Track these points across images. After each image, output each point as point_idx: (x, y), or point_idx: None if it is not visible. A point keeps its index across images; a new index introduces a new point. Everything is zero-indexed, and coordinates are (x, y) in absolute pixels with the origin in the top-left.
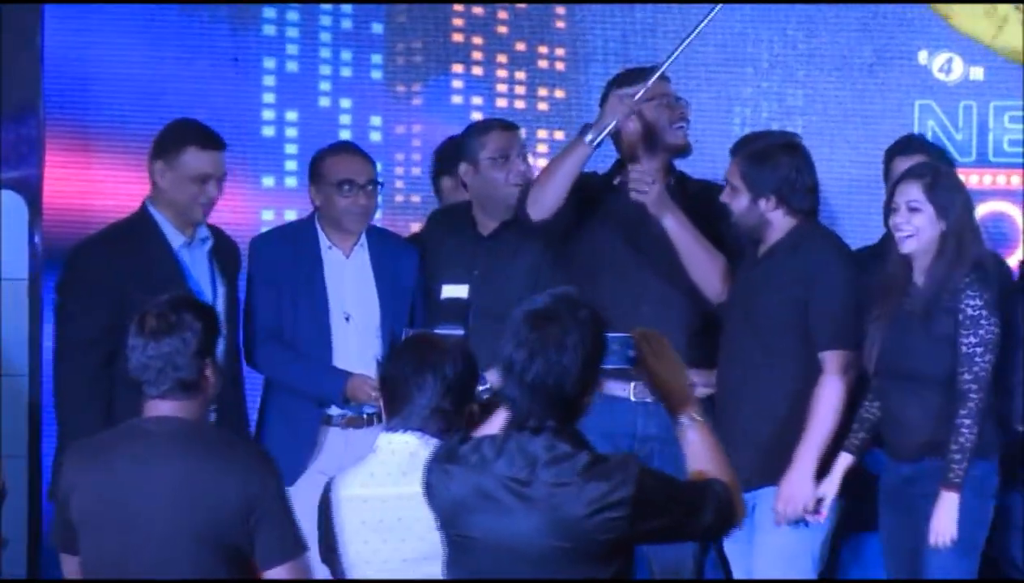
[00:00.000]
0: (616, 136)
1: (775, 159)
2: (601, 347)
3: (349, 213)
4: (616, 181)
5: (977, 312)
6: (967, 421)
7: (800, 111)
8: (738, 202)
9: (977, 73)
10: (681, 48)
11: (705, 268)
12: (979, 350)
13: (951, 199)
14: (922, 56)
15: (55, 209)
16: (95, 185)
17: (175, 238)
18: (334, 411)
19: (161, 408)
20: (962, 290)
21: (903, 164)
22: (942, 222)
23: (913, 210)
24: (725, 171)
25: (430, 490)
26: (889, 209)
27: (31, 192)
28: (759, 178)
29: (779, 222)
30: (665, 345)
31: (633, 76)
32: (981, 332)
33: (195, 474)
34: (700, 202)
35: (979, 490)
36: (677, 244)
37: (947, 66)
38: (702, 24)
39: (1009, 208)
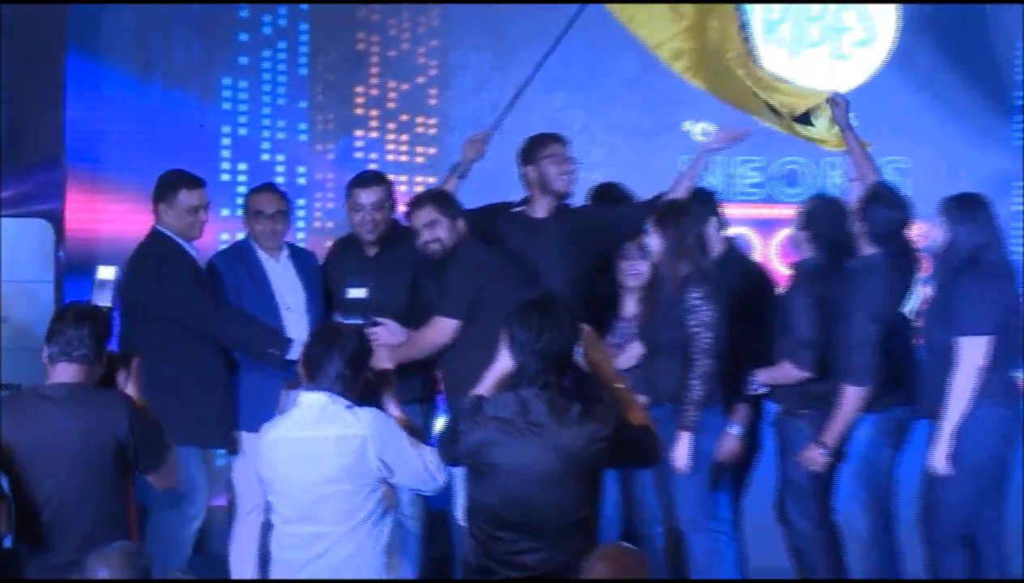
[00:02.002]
0: (525, 178)
1: (448, 197)
2: (578, 326)
3: (263, 234)
4: (518, 209)
5: (697, 302)
6: (695, 382)
7: (600, 165)
8: (443, 229)
9: None
10: (525, 86)
11: None
12: (700, 330)
13: (667, 225)
14: (686, 125)
15: (74, 233)
16: (104, 215)
17: (191, 250)
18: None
19: (68, 370)
20: (687, 287)
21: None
22: (663, 242)
23: (647, 234)
24: (424, 217)
25: (460, 434)
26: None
27: (56, 220)
28: (451, 210)
29: (461, 235)
30: (598, 338)
31: (539, 139)
32: (701, 316)
33: (85, 424)
34: (582, 218)
35: (702, 430)
36: None
37: (705, 131)
38: (553, 46)
39: (748, 231)
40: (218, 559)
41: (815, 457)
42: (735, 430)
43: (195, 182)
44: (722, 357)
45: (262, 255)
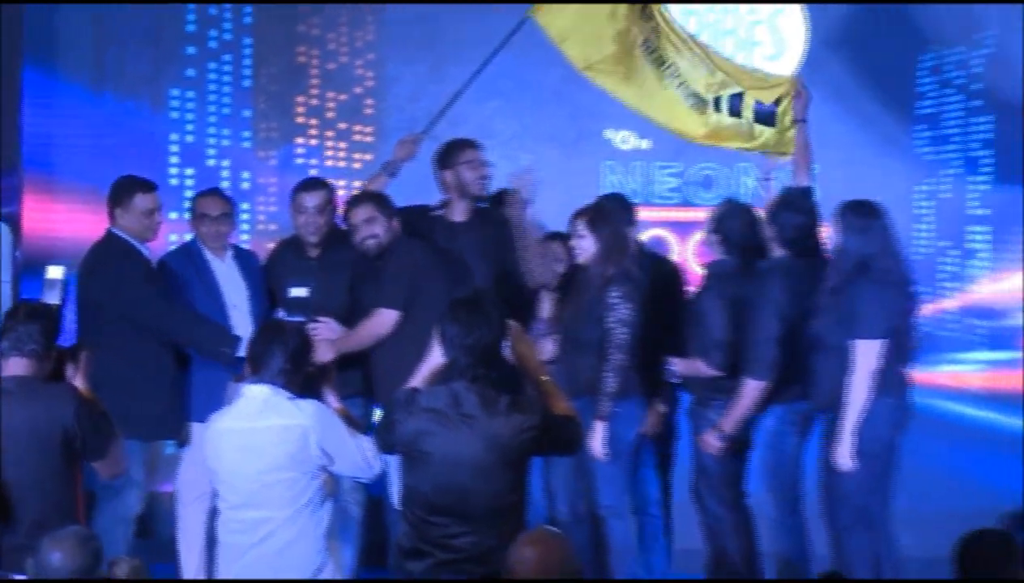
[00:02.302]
0: (442, 182)
1: (385, 197)
2: (506, 322)
3: (208, 235)
4: (437, 212)
5: (615, 300)
6: (610, 375)
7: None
8: (380, 226)
9: (645, 144)
10: (460, 93)
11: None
12: (616, 326)
13: (600, 228)
14: (608, 133)
15: (30, 235)
16: (57, 219)
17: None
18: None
19: (19, 364)
20: (608, 286)
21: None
22: (596, 244)
23: (580, 236)
24: (362, 214)
25: (395, 424)
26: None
27: (14, 223)
28: (388, 210)
29: (396, 234)
30: (524, 333)
31: (454, 144)
32: (617, 314)
33: (35, 414)
34: (493, 220)
35: (621, 420)
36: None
37: (625, 139)
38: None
39: (666, 233)
40: (165, 542)
41: (711, 442)
42: (661, 408)
43: (149, 186)
44: (636, 352)
45: (209, 255)
